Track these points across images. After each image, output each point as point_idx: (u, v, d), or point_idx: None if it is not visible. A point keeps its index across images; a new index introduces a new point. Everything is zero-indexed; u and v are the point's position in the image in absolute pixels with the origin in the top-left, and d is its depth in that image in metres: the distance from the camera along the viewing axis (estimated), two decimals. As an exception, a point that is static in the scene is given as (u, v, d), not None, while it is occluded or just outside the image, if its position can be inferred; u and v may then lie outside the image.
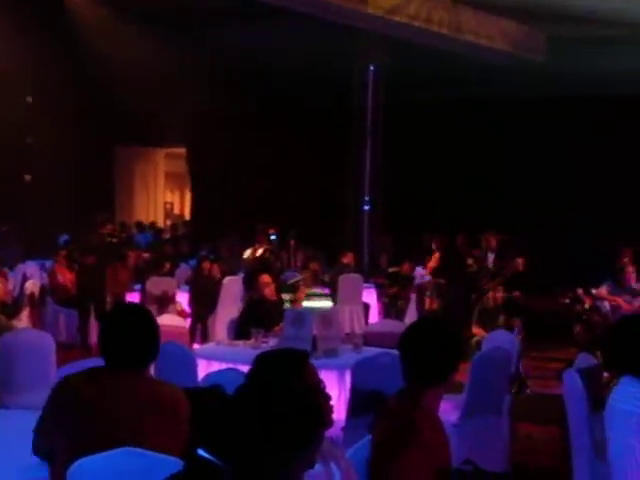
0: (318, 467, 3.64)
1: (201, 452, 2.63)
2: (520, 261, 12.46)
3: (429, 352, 3.77)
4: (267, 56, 16.70)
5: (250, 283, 9.08)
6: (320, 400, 3.05)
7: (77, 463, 3.75)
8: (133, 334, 3.92)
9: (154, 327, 4.02)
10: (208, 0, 14.11)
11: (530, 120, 17.92)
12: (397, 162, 18.41)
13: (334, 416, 3.69)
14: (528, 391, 10.82)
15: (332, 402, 3.58)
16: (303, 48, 15.82)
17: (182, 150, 24.19)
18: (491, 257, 13.71)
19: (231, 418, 2.62)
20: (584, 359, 6.68)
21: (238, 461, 2.56)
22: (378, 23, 14.73)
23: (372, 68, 18.42)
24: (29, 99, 20.26)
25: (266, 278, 8.89)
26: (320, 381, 3.56)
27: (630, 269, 12.31)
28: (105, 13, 15.68)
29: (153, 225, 22.56)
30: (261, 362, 3.51)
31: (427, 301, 14.97)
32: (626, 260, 12.85)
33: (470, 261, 14.78)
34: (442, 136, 18.92)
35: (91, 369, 4.04)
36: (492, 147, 18.39)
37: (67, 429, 3.87)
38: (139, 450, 3.78)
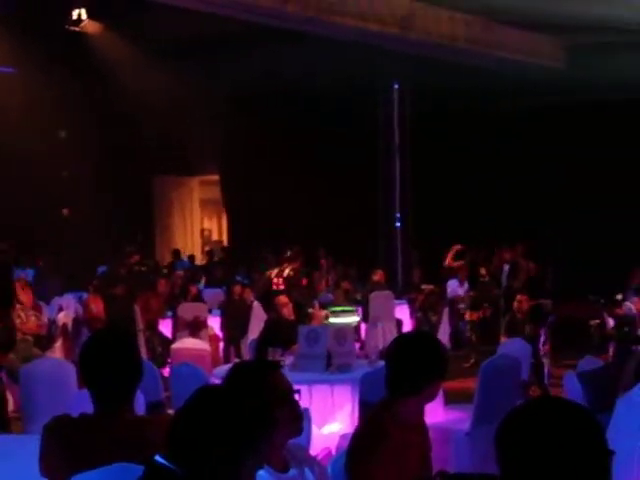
0: (292, 472, 3.76)
1: (158, 458, 2.76)
2: (531, 266, 12.39)
3: (402, 364, 3.90)
4: (292, 78, 16.85)
5: (267, 304, 9.19)
6: (276, 405, 3.16)
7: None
8: (110, 362, 3.80)
9: (129, 351, 3.90)
10: (230, 25, 14.35)
11: (555, 128, 17.88)
12: (425, 177, 18.44)
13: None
14: None
15: (301, 410, 3.69)
16: (326, 69, 15.97)
17: (215, 177, 24.43)
18: (506, 267, 13.74)
19: (181, 422, 2.75)
20: (588, 362, 6.73)
21: (189, 464, 2.69)
22: (396, 41, 14.89)
23: (396, 86, 18.54)
24: (62, 133, 20.61)
25: (283, 299, 9.00)
26: (287, 389, 3.67)
27: None
28: (124, 45, 16.05)
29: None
30: (228, 372, 3.65)
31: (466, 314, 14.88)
32: None
33: (483, 271, 14.76)
34: (469, 149, 18.92)
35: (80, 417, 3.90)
36: (517, 157, 18.37)
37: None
38: (134, 465, 3.87)
